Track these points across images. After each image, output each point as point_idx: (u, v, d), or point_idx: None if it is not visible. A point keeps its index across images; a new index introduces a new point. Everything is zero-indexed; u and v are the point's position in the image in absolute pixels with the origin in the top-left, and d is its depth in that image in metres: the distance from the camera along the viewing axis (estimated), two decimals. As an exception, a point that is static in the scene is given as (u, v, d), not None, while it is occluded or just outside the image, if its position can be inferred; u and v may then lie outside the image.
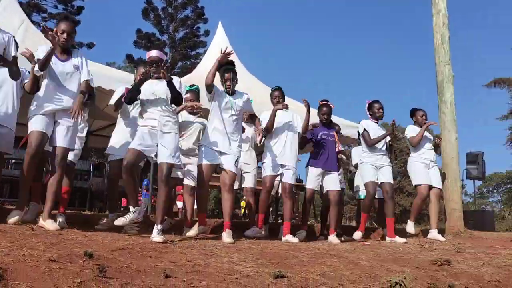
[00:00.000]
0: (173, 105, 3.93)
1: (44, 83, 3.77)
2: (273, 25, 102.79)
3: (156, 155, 3.84)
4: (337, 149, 5.43)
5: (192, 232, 4.25)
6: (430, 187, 5.74)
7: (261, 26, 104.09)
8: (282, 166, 4.87)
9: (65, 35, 3.77)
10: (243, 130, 4.82)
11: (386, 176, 5.39)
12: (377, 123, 5.55)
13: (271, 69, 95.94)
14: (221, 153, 4.24)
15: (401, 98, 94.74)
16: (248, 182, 5.36)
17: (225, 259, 2.76)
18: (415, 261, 3.42)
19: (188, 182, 4.99)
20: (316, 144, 5.24)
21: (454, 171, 6.46)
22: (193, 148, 5.00)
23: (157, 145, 3.81)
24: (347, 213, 23.90)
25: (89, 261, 2.17)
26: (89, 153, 17.87)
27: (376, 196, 6.01)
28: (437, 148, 6.10)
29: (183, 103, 4.21)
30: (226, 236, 3.96)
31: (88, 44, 25.18)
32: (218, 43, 9.73)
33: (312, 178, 5.18)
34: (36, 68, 3.65)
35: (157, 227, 3.54)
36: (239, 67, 9.02)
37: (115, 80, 5.52)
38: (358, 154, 6.25)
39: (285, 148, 4.88)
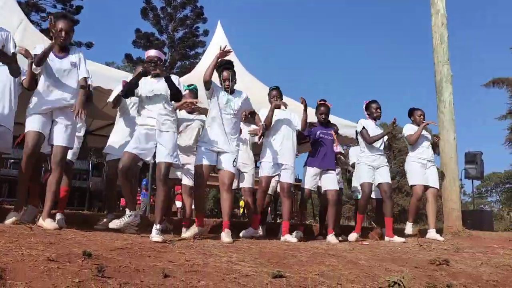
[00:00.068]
0: (172, 102, 3.93)
1: (41, 80, 3.76)
2: (273, 25, 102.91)
3: (153, 157, 3.84)
4: (336, 150, 5.44)
5: (189, 233, 4.24)
6: (426, 187, 5.76)
7: (261, 26, 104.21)
8: (280, 165, 4.88)
9: (63, 33, 3.77)
10: (240, 131, 4.82)
11: (383, 176, 5.40)
12: (375, 123, 5.55)
13: (271, 69, 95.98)
14: (219, 152, 4.24)
15: (401, 98, 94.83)
16: (246, 181, 5.36)
17: (224, 258, 2.77)
18: (413, 260, 3.42)
19: (187, 181, 4.98)
20: (314, 143, 5.26)
21: (453, 170, 6.47)
22: (193, 146, 5.00)
23: (154, 147, 3.80)
24: (345, 213, 23.90)
25: (87, 260, 2.17)
26: (88, 152, 17.85)
27: (373, 196, 6.05)
28: (435, 147, 6.11)
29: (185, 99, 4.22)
30: (225, 235, 3.96)
31: (87, 43, 25.15)
32: (217, 42, 9.71)
33: (309, 178, 5.19)
34: (34, 65, 3.65)
35: (156, 227, 3.54)
36: (239, 67, 9.03)
37: (114, 80, 5.51)
38: (356, 154, 6.26)
39: (283, 147, 4.88)
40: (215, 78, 4.40)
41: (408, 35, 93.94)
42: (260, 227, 5.42)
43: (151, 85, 3.88)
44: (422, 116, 5.91)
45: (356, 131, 5.73)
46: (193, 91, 5.04)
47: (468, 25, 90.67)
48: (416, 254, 3.81)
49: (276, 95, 5.04)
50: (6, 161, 7.99)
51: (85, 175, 8.97)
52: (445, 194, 6.39)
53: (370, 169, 5.42)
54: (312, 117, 5.48)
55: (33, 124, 3.68)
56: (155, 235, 3.44)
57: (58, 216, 4.46)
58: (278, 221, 9.33)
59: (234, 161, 4.24)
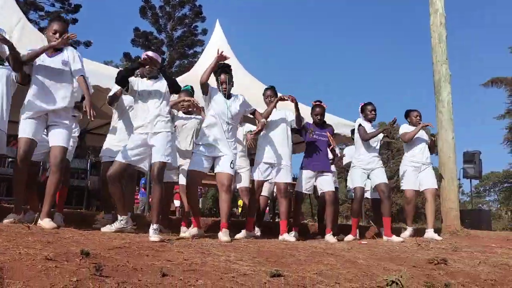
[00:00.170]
0: (167, 103, 3.92)
1: (33, 81, 3.75)
2: (272, 25, 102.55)
3: (145, 164, 3.92)
4: (331, 148, 5.44)
5: (187, 234, 4.25)
6: (418, 191, 5.81)
7: (260, 26, 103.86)
8: (275, 166, 4.87)
9: (57, 35, 3.76)
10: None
11: (379, 177, 5.42)
12: (370, 124, 5.59)
13: (271, 69, 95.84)
14: (216, 156, 4.25)
15: (401, 98, 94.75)
16: (243, 181, 5.36)
17: (222, 257, 2.76)
18: (411, 260, 3.43)
19: (184, 182, 4.98)
20: (308, 145, 5.25)
21: (451, 170, 6.47)
22: (190, 150, 4.99)
23: (149, 152, 3.84)
24: (344, 212, 23.93)
25: (85, 259, 2.16)
26: (87, 151, 17.83)
27: (369, 196, 6.09)
28: (433, 147, 6.11)
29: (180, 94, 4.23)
30: (223, 235, 3.96)
31: (86, 42, 25.09)
32: (216, 42, 9.73)
33: (304, 181, 5.19)
34: (23, 60, 3.63)
35: (153, 227, 3.54)
36: (238, 67, 9.04)
37: (113, 79, 5.48)
38: (351, 154, 6.30)
39: (278, 146, 4.88)
40: (212, 81, 4.41)
41: (409, 35, 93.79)
42: (256, 228, 5.44)
43: (147, 86, 3.90)
44: (418, 117, 5.93)
45: (352, 130, 5.74)
46: (188, 91, 5.02)
47: (467, 25, 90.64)
48: (414, 254, 3.82)
49: (270, 95, 5.05)
50: (4, 160, 7.97)
51: (83, 174, 8.94)
52: (443, 194, 6.40)
53: (363, 173, 5.45)
54: (307, 118, 5.50)
55: (25, 130, 3.67)
56: (153, 235, 3.44)
57: (56, 215, 4.46)
58: (276, 220, 9.34)
59: (231, 162, 4.23)
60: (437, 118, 6.73)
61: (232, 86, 4.47)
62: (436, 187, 5.87)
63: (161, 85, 3.91)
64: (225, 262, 2.63)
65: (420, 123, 5.87)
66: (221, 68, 4.37)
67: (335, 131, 6.94)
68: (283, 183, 4.86)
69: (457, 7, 77.49)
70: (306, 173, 5.19)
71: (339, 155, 5.77)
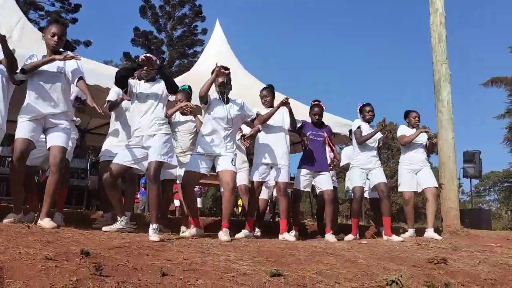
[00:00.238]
0: (164, 107, 3.93)
1: (31, 84, 3.75)
2: (272, 25, 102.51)
3: (142, 165, 3.92)
4: (328, 155, 5.44)
5: (187, 233, 4.26)
6: (415, 192, 5.83)
7: (260, 25, 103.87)
8: (273, 166, 4.87)
9: (55, 38, 3.75)
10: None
11: (378, 177, 5.43)
12: (369, 125, 5.60)
13: (270, 69, 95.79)
14: (215, 157, 4.26)
15: (401, 97, 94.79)
16: (242, 179, 5.36)
17: (222, 257, 2.76)
18: (411, 259, 3.43)
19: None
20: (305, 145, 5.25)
21: (451, 169, 6.47)
22: (190, 147, 4.99)
23: (145, 155, 3.84)
24: (344, 211, 23.93)
25: (85, 259, 2.16)
26: (87, 151, 17.83)
27: (367, 196, 6.09)
28: (432, 149, 6.11)
29: (177, 99, 4.22)
30: (223, 234, 3.96)
31: (85, 42, 25.08)
32: (216, 41, 9.74)
33: (301, 179, 5.21)
34: (21, 70, 3.65)
35: (152, 226, 3.54)
36: (238, 67, 9.04)
37: (112, 78, 5.49)
38: (347, 155, 6.30)
39: (276, 147, 4.87)
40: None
41: (408, 34, 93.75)
42: (256, 229, 5.44)
43: (144, 89, 3.90)
44: (417, 118, 5.94)
45: (350, 130, 5.76)
46: (185, 91, 5.01)
47: (467, 24, 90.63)
48: (414, 253, 3.82)
49: (265, 95, 5.05)
50: (4, 160, 7.97)
51: (83, 174, 8.94)
52: (443, 193, 6.40)
53: (362, 172, 5.47)
54: (306, 117, 5.50)
55: (22, 131, 3.66)
56: (152, 235, 3.44)
57: (56, 215, 4.46)
58: (276, 219, 9.34)
59: (232, 160, 4.24)
60: (437, 117, 6.73)
61: (231, 89, 4.46)
62: (436, 185, 5.87)
63: (158, 88, 3.91)
64: (225, 261, 2.63)
65: (418, 124, 5.90)
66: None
67: (334, 131, 6.96)
68: (282, 182, 4.86)
69: (457, 6, 77.59)
70: (303, 172, 5.21)
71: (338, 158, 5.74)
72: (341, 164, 6.55)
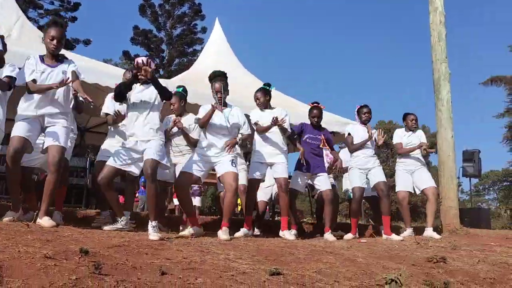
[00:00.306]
0: (159, 111, 3.93)
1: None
2: (272, 23, 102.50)
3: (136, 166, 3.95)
4: (326, 158, 5.44)
5: (186, 232, 4.26)
6: (410, 192, 5.83)
7: (260, 24, 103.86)
8: (271, 164, 4.86)
9: (55, 41, 3.72)
10: None
11: (378, 176, 5.44)
12: (365, 126, 5.61)
13: (270, 67, 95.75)
14: (214, 162, 4.27)
15: (400, 96, 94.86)
16: (240, 179, 5.36)
17: (221, 256, 2.76)
18: (411, 258, 3.43)
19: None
20: (303, 146, 5.24)
21: (450, 168, 6.48)
22: (186, 147, 4.98)
23: (140, 157, 3.85)
24: (343, 210, 23.93)
25: (84, 258, 2.16)
26: (86, 150, 17.81)
27: (366, 195, 6.09)
28: (427, 156, 6.10)
29: (171, 99, 4.36)
30: (223, 233, 3.97)
31: (85, 40, 25.09)
32: (215, 40, 9.74)
33: (298, 179, 5.22)
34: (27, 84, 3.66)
35: (151, 224, 3.54)
36: (237, 65, 9.04)
37: (112, 77, 5.51)
38: (344, 156, 6.30)
39: (273, 146, 4.86)
40: (208, 86, 4.43)
41: (408, 33, 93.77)
42: (256, 229, 5.44)
43: (140, 92, 3.89)
44: (414, 121, 5.95)
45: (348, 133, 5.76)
46: (179, 94, 4.98)
47: (466, 23, 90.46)
48: (414, 252, 3.82)
49: (258, 97, 5.01)
50: (3, 158, 7.95)
51: (82, 173, 8.92)
52: (443, 192, 6.40)
53: (361, 173, 5.47)
54: (305, 119, 5.50)
55: (19, 130, 3.64)
56: (152, 233, 3.44)
57: (56, 213, 4.45)
58: (276, 218, 9.34)
59: (232, 162, 4.24)
60: (436, 116, 6.73)
61: (227, 95, 4.45)
62: (435, 185, 5.87)
63: (152, 92, 3.88)
64: (224, 260, 2.63)
65: (415, 127, 5.92)
66: (216, 76, 4.37)
67: (334, 130, 6.95)
68: (283, 178, 4.84)
69: (457, 5, 77.52)
70: (299, 173, 5.23)
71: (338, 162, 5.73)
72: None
